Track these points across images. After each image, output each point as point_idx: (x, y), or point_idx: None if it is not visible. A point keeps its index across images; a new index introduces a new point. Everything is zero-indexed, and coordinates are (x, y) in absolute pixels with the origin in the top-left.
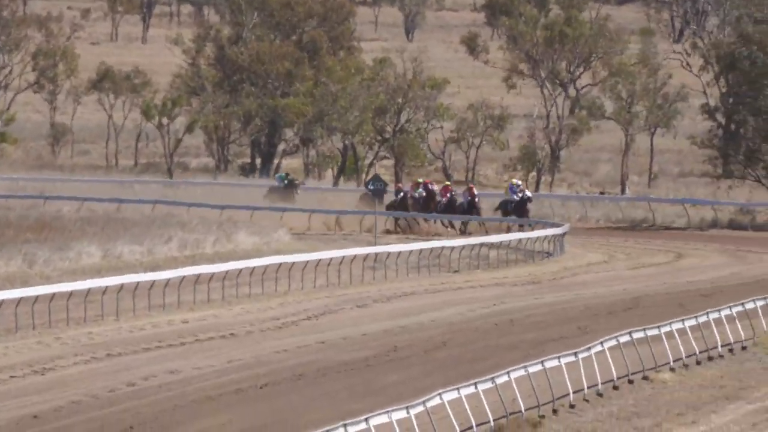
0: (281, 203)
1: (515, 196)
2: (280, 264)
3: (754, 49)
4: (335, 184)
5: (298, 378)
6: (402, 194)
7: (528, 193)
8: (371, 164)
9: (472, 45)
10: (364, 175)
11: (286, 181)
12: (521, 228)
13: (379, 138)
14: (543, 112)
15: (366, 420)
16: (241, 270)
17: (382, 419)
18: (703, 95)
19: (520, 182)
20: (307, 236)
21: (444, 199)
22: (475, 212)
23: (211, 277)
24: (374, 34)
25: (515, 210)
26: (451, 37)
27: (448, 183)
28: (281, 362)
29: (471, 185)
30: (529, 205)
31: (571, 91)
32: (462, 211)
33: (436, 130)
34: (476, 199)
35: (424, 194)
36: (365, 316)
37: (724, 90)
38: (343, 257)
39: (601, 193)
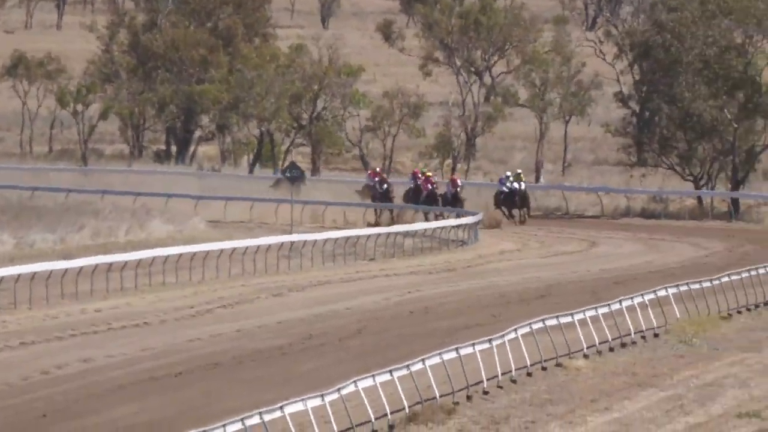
0: (287, 196)
1: (504, 188)
2: (195, 252)
3: (668, 37)
4: (251, 171)
5: (213, 366)
6: (385, 186)
7: (517, 185)
8: (287, 151)
9: (387, 32)
10: (280, 163)
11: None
12: (436, 217)
13: (296, 125)
14: (458, 100)
15: (281, 408)
16: (154, 258)
17: (298, 407)
18: (617, 83)
19: (510, 173)
20: (223, 225)
21: (425, 191)
22: (459, 204)
23: (125, 265)
24: (290, 21)
25: (504, 201)
26: (366, 25)
27: (429, 174)
28: (196, 351)
29: (454, 176)
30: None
31: (486, 79)
32: (445, 202)
33: (353, 117)
34: (459, 190)
35: (411, 186)
36: (280, 304)
37: (637, 78)
38: (258, 246)
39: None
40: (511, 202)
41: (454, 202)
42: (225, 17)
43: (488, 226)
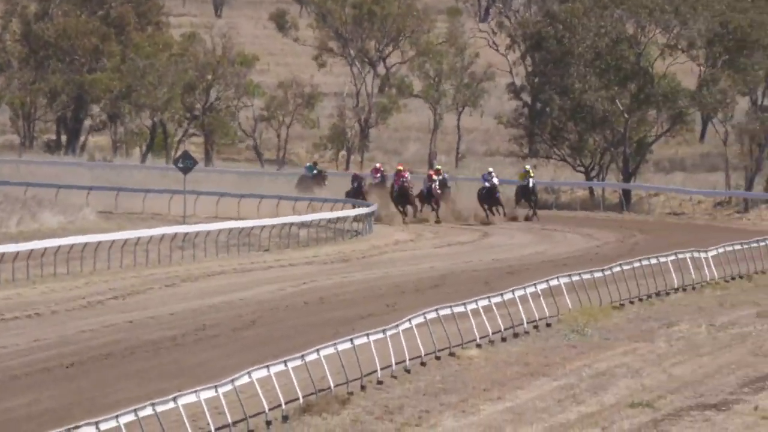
0: (310, 193)
1: (486, 183)
2: (86, 243)
3: (559, 28)
4: (143, 161)
5: (105, 357)
6: (357, 183)
7: (494, 180)
8: (180, 141)
9: (281, 22)
10: (173, 153)
11: (315, 171)
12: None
13: (189, 115)
14: (352, 91)
15: (174, 399)
16: (46, 249)
17: (191, 398)
18: (510, 74)
19: (491, 169)
20: (114, 216)
21: (397, 185)
22: (434, 201)
23: (16, 255)
24: (182, 10)
25: (484, 198)
26: (259, 14)
27: (400, 168)
28: (88, 342)
29: (431, 171)
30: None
31: (381, 70)
32: (423, 198)
33: (247, 107)
34: (436, 185)
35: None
36: (173, 295)
37: (530, 69)
38: (151, 236)
39: (410, 171)
40: (492, 198)
41: (429, 197)
42: (117, 6)
43: (509, 219)
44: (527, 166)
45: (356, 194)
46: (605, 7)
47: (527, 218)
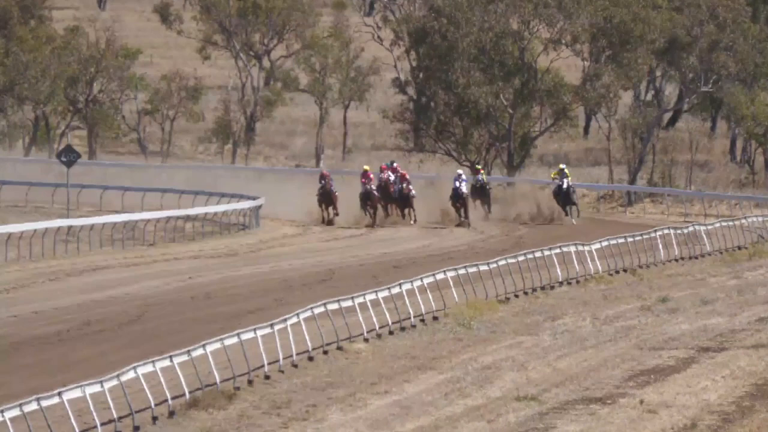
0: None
1: (458, 184)
2: None
3: (444, 23)
4: (26, 154)
5: None
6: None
7: (565, 182)
8: (63, 134)
9: (164, 14)
10: (56, 146)
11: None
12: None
13: (72, 108)
14: (238, 84)
15: (59, 394)
16: None
17: (76, 393)
18: (395, 69)
19: (461, 171)
20: None
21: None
22: (407, 202)
23: None
24: (66, 3)
25: (455, 200)
26: (143, 6)
27: (366, 168)
28: None
29: (404, 172)
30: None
31: (266, 63)
32: (395, 197)
33: (131, 100)
34: (408, 185)
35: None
36: (58, 290)
37: (415, 64)
38: (35, 230)
39: (297, 166)
40: (461, 200)
41: (401, 197)
42: None
43: (542, 222)
44: (562, 165)
45: (323, 195)
46: (489, 2)
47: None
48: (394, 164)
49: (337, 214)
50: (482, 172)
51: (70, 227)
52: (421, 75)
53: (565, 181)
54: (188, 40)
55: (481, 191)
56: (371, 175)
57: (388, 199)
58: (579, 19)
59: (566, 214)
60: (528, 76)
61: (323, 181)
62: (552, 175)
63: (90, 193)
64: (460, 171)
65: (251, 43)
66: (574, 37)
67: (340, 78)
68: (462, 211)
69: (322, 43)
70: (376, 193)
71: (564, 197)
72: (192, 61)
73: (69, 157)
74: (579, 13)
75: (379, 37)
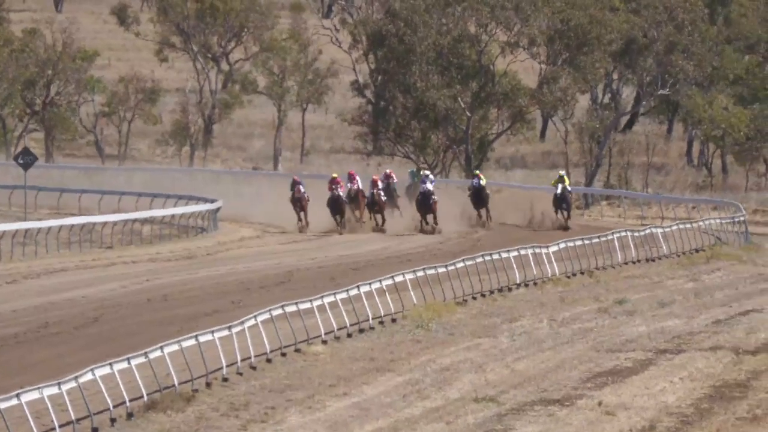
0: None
1: (424, 188)
2: None
3: (401, 26)
4: None
5: None
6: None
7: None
8: (20, 137)
9: (122, 16)
10: (13, 149)
11: (416, 177)
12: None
13: (29, 110)
14: (196, 86)
15: (17, 396)
16: None
17: (34, 395)
18: (353, 72)
19: (426, 173)
20: None
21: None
22: (377, 207)
23: None
24: (23, 5)
25: (419, 206)
26: (100, 9)
27: (335, 175)
28: None
29: (375, 177)
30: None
31: (224, 66)
32: (367, 203)
33: (88, 103)
34: (378, 190)
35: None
36: (15, 292)
37: (373, 67)
38: None
39: (255, 168)
40: (426, 206)
41: (373, 203)
42: None
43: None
44: (561, 172)
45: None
46: (447, 5)
47: (562, 228)
48: (388, 171)
49: (306, 224)
50: (481, 176)
51: (27, 230)
52: (379, 78)
53: (559, 186)
54: (145, 42)
55: (477, 196)
56: (340, 181)
57: (368, 207)
58: (536, 22)
59: (557, 218)
60: (485, 80)
61: (295, 188)
62: (552, 183)
63: (47, 196)
64: (427, 171)
65: (209, 45)
66: (531, 40)
67: (298, 80)
68: (431, 216)
69: (280, 46)
70: (345, 199)
71: (558, 201)
72: (149, 63)
73: (26, 159)
74: (536, 16)
75: (337, 39)
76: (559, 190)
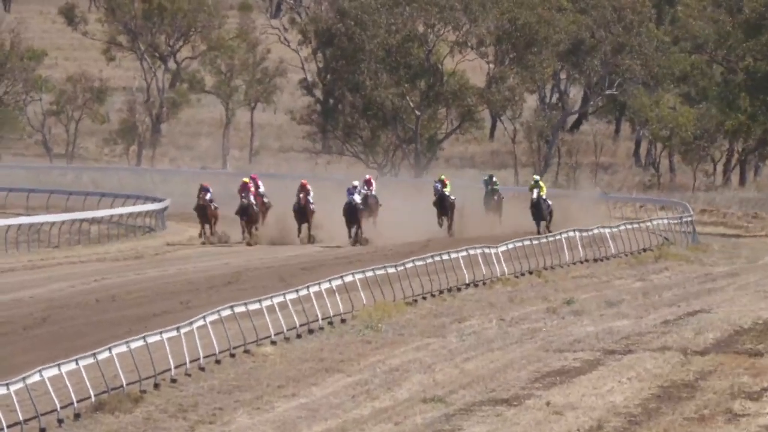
0: (493, 211)
1: (352, 197)
2: None
3: (351, 25)
4: None
5: None
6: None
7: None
8: None
9: (70, 16)
10: None
11: (489, 185)
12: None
13: None
14: (143, 85)
15: None
16: None
17: None
18: (302, 71)
19: (356, 182)
20: None
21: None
22: (308, 215)
23: None
24: None
25: (437, 204)
26: (48, 8)
27: (246, 181)
28: None
29: (304, 181)
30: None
31: (172, 65)
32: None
33: (35, 102)
34: (308, 198)
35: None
36: None
37: (321, 65)
38: None
39: (203, 167)
40: (353, 218)
41: (302, 213)
42: None
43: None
44: (536, 177)
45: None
46: (396, 5)
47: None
48: (367, 176)
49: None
50: (447, 182)
51: None
52: (328, 77)
53: (535, 192)
54: (93, 41)
55: (440, 204)
56: (251, 188)
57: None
58: (484, 22)
59: (538, 231)
60: (434, 79)
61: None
62: (529, 189)
63: None
64: (355, 182)
65: (156, 44)
66: (479, 39)
67: (246, 79)
68: (355, 228)
69: (228, 45)
70: (256, 207)
71: (533, 211)
72: (97, 62)
73: None
74: (484, 17)
75: (285, 39)
76: (534, 196)
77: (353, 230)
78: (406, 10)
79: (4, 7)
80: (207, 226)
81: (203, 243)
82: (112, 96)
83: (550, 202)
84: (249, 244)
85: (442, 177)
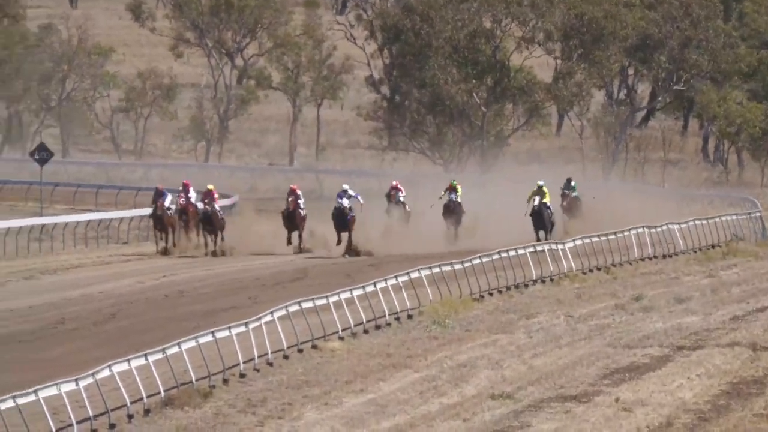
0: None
1: (339, 201)
2: None
3: (417, 21)
4: None
5: None
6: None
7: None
8: (36, 132)
9: (137, 12)
10: (29, 144)
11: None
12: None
13: (45, 106)
14: (211, 82)
15: (35, 392)
16: None
17: (51, 391)
18: (368, 67)
19: (346, 186)
20: None
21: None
22: (297, 221)
23: None
24: (38, 1)
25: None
26: (115, 5)
27: (211, 188)
28: None
29: (293, 185)
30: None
31: (239, 61)
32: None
33: (103, 98)
34: (299, 203)
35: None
36: (32, 288)
37: (388, 62)
38: (8, 229)
39: (270, 164)
40: (342, 223)
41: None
42: None
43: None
44: (540, 182)
45: (156, 219)
46: (463, 0)
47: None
48: (394, 182)
49: (174, 244)
50: (458, 188)
51: (43, 226)
52: (394, 73)
53: (536, 199)
54: (160, 38)
55: (448, 210)
56: (215, 194)
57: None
58: (551, 17)
59: (537, 239)
60: (501, 75)
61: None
62: (529, 195)
63: (63, 191)
64: (345, 186)
65: (223, 41)
66: (546, 35)
67: (312, 76)
68: (347, 235)
69: (295, 42)
70: (221, 214)
71: (534, 219)
72: (164, 59)
73: (42, 155)
74: (551, 12)
75: (351, 35)
76: (536, 203)
77: (342, 237)
78: (473, 6)
79: (71, 3)
80: (163, 234)
81: (163, 252)
82: (179, 93)
83: (552, 211)
84: (213, 254)
85: (454, 183)
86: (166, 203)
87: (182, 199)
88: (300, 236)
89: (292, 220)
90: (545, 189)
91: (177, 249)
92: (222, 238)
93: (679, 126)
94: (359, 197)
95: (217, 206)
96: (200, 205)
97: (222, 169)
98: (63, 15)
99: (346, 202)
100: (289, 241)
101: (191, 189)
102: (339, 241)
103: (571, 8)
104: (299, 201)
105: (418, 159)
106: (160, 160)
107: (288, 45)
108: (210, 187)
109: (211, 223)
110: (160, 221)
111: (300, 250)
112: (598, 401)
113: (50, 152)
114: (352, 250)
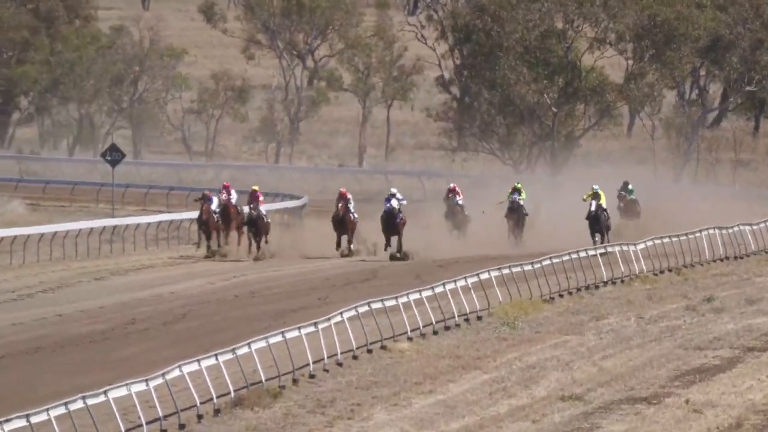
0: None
1: (387, 205)
2: (15, 236)
3: (488, 21)
4: (71, 153)
5: (35, 351)
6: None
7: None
8: (108, 133)
9: (209, 14)
10: (100, 145)
11: (625, 191)
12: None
13: (116, 107)
14: (282, 84)
15: (105, 392)
16: None
17: (122, 391)
18: (439, 68)
19: (394, 189)
20: (43, 208)
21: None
22: (348, 226)
23: None
24: (110, 3)
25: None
26: (187, 6)
27: (255, 188)
28: (17, 335)
29: (343, 189)
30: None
31: (310, 63)
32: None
33: (175, 100)
34: (348, 207)
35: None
36: (103, 288)
37: (458, 62)
38: (80, 230)
39: (340, 165)
40: (392, 227)
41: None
42: None
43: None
44: (595, 186)
45: (201, 224)
46: (534, 0)
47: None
48: (452, 185)
49: (266, 242)
50: (522, 190)
51: (115, 227)
52: (465, 73)
53: (593, 202)
54: (232, 39)
55: (512, 213)
56: (260, 197)
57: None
58: (623, 18)
59: (593, 243)
60: (572, 75)
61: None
62: (584, 198)
63: (135, 193)
64: (393, 189)
65: (295, 42)
66: (618, 36)
67: (383, 77)
68: (397, 238)
69: (365, 43)
70: (266, 219)
71: (591, 222)
72: (235, 60)
73: (114, 156)
74: (623, 13)
75: (422, 36)
76: (593, 208)
77: (390, 241)
78: (545, 6)
79: (143, 4)
80: (208, 238)
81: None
82: (251, 94)
83: (608, 214)
84: (257, 259)
85: (518, 185)
86: (213, 207)
87: (224, 195)
88: (349, 241)
89: (343, 224)
90: (600, 192)
91: (220, 253)
92: (266, 242)
93: (750, 127)
94: (405, 201)
95: (262, 209)
96: (246, 209)
97: (292, 171)
98: (135, 17)
99: (395, 204)
100: (339, 245)
101: (232, 191)
102: (387, 245)
103: (643, 9)
104: (349, 205)
105: (488, 160)
106: (231, 161)
107: (359, 46)
108: (255, 188)
109: (255, 225)
110: (205, 225)
111: (349, 253)
112: (668, 403)
113: (122, 153)
114: (400, 254)
